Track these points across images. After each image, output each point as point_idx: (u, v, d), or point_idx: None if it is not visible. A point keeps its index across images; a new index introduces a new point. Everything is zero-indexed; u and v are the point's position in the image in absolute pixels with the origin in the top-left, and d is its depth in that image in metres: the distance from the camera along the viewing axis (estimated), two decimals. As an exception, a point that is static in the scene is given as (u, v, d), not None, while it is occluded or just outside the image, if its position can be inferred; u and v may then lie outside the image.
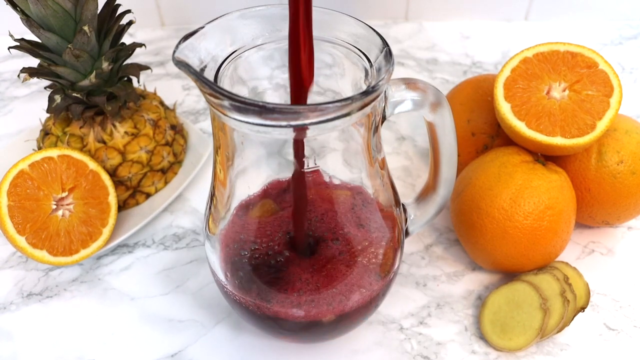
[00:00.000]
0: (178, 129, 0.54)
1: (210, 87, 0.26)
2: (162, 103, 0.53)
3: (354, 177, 0.34)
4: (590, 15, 0.77)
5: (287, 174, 0.35)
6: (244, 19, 0.32)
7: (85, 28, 0.42)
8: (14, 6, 0.41)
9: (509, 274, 0.45)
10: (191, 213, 0.52)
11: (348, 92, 0.34)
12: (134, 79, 0.62)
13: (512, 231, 0.41)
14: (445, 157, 0.36)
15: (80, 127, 0.48)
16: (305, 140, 0.31)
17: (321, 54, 0.33)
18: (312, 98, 0.37)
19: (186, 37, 0.29)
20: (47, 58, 0.44)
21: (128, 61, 0.49)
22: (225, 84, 0.31)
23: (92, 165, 0.46)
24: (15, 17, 0.42)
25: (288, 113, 0.26)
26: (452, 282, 0.46)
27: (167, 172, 0.52)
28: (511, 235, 0.41)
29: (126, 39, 0.66)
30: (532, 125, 0.42)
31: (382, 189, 0.34)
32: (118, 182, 0.49)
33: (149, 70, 0.63)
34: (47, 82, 0.65)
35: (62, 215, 0.45)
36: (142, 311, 0.44)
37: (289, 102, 0.37)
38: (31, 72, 0.44)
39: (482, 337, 0.42)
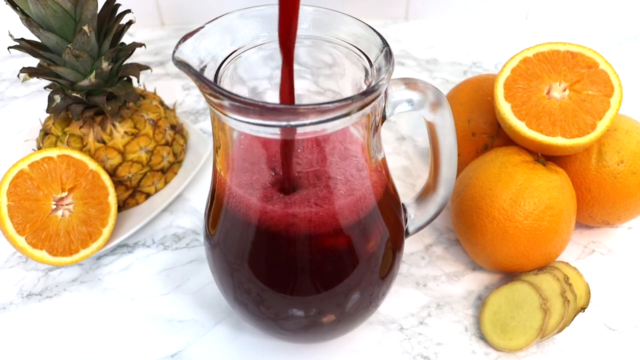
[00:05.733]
0: (178, 129, 0.54)
1: (210, 87, 0.26)
2: (162, 103, 0.53)
3: (354, 177, 0.34)
4: (590, 15, 0.77)
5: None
6: (243, 18, 0.32)
7: (85, 28, 0.42)
8: (14, 6, 0.41)
9: (509, 274, 0.45)
10: (191, 213, 0.52)
11: (348, 92, 0.34)
12: (134, 79, 0.62)
13: (513, 231, 0.41)
14: (445, 157, 0.36)
15: (80, 127, 0.48)
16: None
17: (321, 54, 0.33)
18: (312, 98, 0.37)
19: (186, 37, 0.29)
20: (47, 58, 0.44)
21: (128, 61, 0.49)
22: (225, 83, 0.31)
23: (92, 165, 0.46)
24: (15, 17, 0.42)
25: (288, 113, 0.26)
26: (452, 282, 0.46)
27: (167, 172, 0.52)
28: (511, 235, 0.41)
29: (126, 39, 0.66)
30: (532, 125, 0.42)
31: (382, 189, 0.34)
32: (118, 182, 0.49)
33: (148, 70, 0.63)
34: (46, 82, 0.65)
35: (62, 215, 0.45)
36: (142, 311, 0.44)
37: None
38: (31, 72, 0.44)
39: (482, 337, 0.42)
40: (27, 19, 0.41)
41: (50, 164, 0.45)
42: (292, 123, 0.27)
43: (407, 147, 0.58)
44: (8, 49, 0.44)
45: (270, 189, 0.32)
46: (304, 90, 0.36)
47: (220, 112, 0.28)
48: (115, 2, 0.46)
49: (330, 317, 0.35)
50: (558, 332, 0.40)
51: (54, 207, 0.44)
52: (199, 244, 0.49)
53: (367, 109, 0.29)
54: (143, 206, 0.51)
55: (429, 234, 0.49)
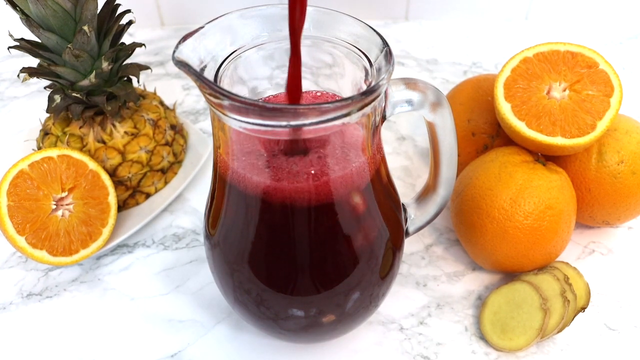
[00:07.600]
0: (178, 129, 0.54)
1: (210, 87, 0.26)
2: (162, 103, 0.53)
3: (354, 177, 0.34)
4: (590, 15, 0.77)
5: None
6: (244, 18, 0.32)
7: (85, 28, 0.42)
8: (14, 6, 0.41)
9: (509, 274, 0.45)
10: (191, 213, 0.52)
11: (348, 92, 0.34)
12: (134, 79, 0.62)
13: (513, 231, 0.41)
14: (445, 157, 0.36)
15: (80, 127, 0.48)
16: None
17: (321, 54, 0.33)
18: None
19: (186, 37, 0.29)
20: (46, 58, 0.44)
21: (128, 61, 0.49)
22: (225, 83, 0.31)
23: (92, 165, 0.46)
24: (15, 17, 0.42)
25: (288, 113, 0.26)
26: (452, 282, 0.46)
27: (167, 172, 0.52)
28: (511, 235, 0.41)
29: (126, 39, 0.66)
30: (533, 125, 0.42)
31: (381, 189, 0.34)
32: (118, 182, 0.49)
33: (148, 70, 0.63)
34: (46, 82, 0.65)
35: (62, 215, 0.45)
36: (142, 311, 0.44)
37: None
38: (31, 72, 0.44)
39: (482, 337, 0.42)
40: (27, 19, 0.41)
41: (50, 164, 0.45)
42: (292, 123, 0.27)
43: (407, 147, 0.58)
44: (8, 49, 0.44)
45: (270, 187, 0.32)
46: (304, 90, 0.36)
47: (220, 112, 0.28)
48: (115, 2, 0.46)
49: (330, 317, 0.35)
50: (558, 332, 0.40)
51: (54, 207, 0.44)
52: (199, 244, 0.49)
53: (367, 109, 0.29)
54: (143, 206, 0.51)
55: (429, 234, 0.49)
